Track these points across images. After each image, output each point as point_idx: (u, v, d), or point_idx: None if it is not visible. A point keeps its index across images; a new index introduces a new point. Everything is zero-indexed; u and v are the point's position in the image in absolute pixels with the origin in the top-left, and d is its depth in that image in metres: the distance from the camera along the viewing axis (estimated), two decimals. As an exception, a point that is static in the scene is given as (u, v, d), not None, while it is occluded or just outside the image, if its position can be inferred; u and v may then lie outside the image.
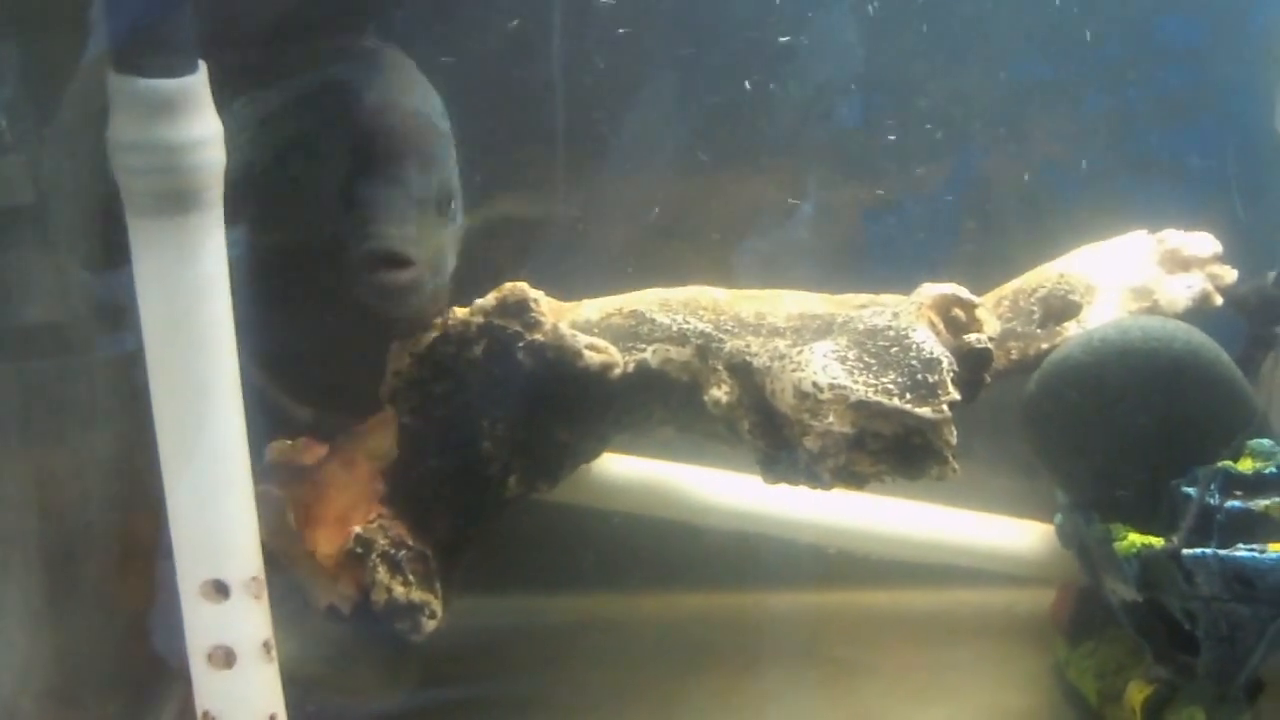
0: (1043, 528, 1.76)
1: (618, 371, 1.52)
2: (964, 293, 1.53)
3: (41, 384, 1.48)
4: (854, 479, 1.45)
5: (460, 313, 1.54)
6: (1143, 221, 1.75)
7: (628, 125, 1.81)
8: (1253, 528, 1.46)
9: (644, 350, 1.54)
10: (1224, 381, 1.55)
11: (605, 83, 1.79)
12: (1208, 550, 1.44)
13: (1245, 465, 1.50)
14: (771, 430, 1.49)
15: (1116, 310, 1.64)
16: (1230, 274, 1.69)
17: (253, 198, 1.47)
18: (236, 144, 1.27)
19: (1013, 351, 1.64)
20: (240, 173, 1.29)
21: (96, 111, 1.23)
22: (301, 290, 1.60)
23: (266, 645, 1.34)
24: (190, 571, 1.30)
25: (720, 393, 1.51)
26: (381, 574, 1.51)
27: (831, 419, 1.43)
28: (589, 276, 1.68)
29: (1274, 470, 1.48)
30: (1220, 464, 1.50)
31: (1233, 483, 1.48)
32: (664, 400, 1.57)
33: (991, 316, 1.59)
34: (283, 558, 1.52)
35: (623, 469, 1.73)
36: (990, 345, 1.50)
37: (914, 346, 1.47)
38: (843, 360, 1.47)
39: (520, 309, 1.52)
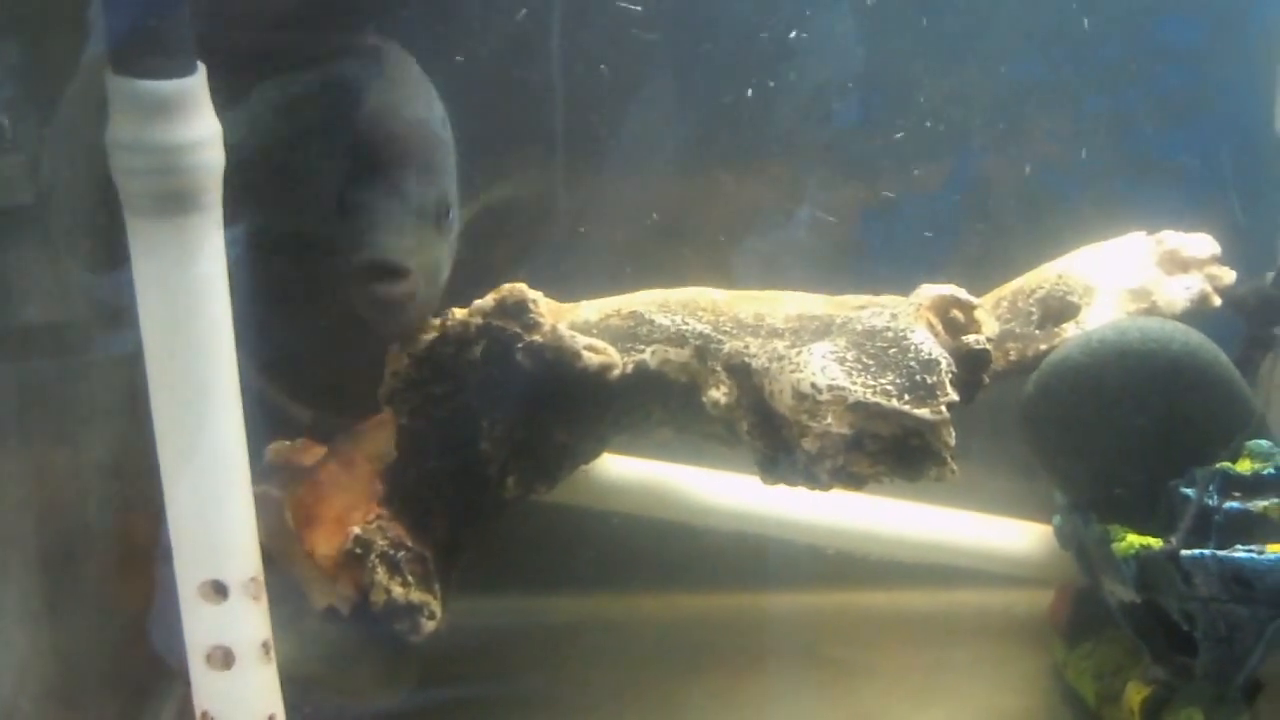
0: (1041, 529, 1.76)
1: (616, 372, 1.52)
2: (962, 294, 1.53)
3: (41, 384, 1.49)
4: (852, 480, 1.45)
5: (459, 314, 1.54)
6: (1141, 222, 1.75)
7: (626, 124, 1.81)
8: (1251, 529, 1.46)
9: (643, 351, 1.54)
10: (1222, 382, 1.55)
11: (603, 82, 1.79)
12: (1206, 551, 1.44)
13: (1243, 466, 1.50)
14: (770, 431, 1.49)
15: (1115, 311, 1.64)
16: (1229, 275, 1.69)
17: (251, 195, 1.48)
18: (237, 139, 1.28)
19: (1011, 352, 1.64)
20: (239, 169, 1.29)
21: (96, 111, 1.23)
22: (300, 290, 1.61)
23: (265, 646, 1.34)
24: (189, 572, 1.31)
25: (719, 394, 1.51)
26: (380, 575, 1.51)
27: (830, 420, 1.43)
28: (587, 277, 1.69)
29: (1272, 471, 1.49)
30: (1218, 465, 1.50)
31: (1231, 484, 1.49)
32: (663, 401, 1.57)
33: (990, 317, 1.60)
34: (281, 558, 1.52)
35: (622, 470, 1.73)
36: (988, 346, 1.50)
37: (912, 348, 1.47)
38: (841, 361, 1.47)
39: (519, 310, 1.52)
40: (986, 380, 1.52)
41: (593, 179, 1.83)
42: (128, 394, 1.36)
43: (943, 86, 1.85)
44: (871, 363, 1.46)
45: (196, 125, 1.21)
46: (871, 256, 1.90)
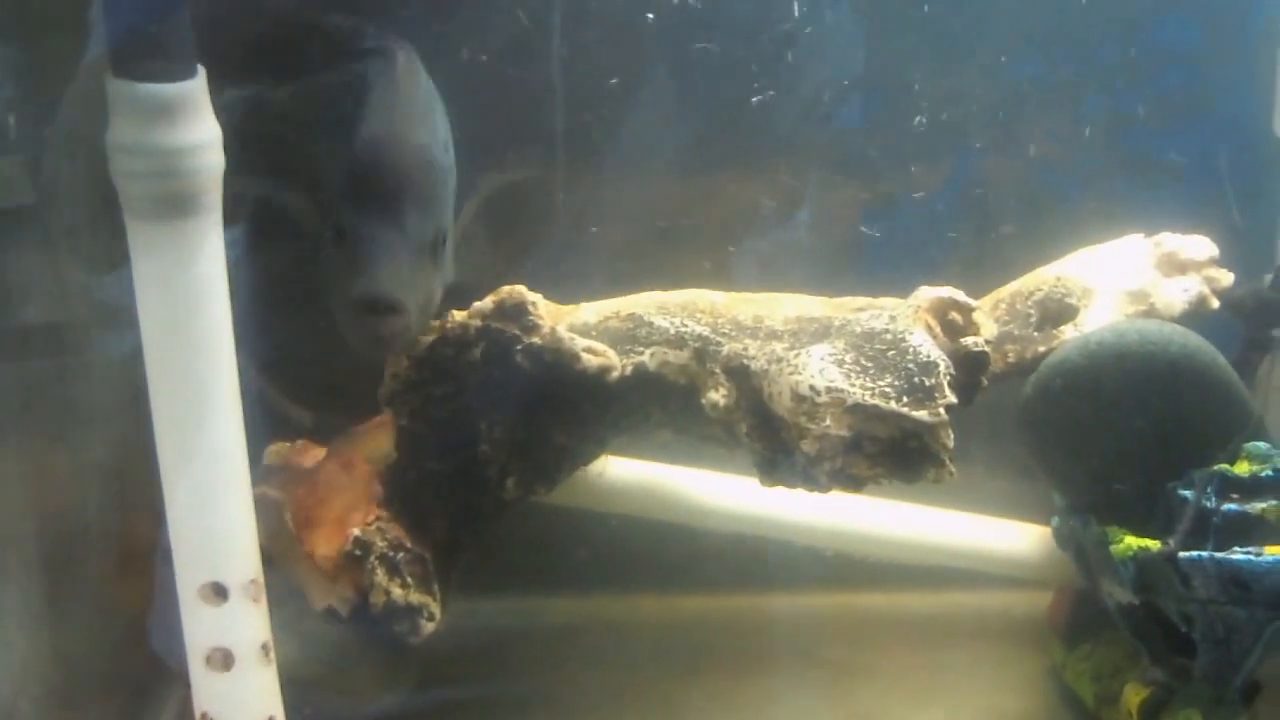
0: (1040, 530, 1.76)
1: (615, 374, 1.52)
2: (961, 296, 1.53)
3: (41, 384, 1.49)
4: (851, 482, 1.45)
5: (459, 316, 1.54)
6: (1140, 224, 1.75)
7: (625, 126, 1.81)
8: (1249, 531, 1.46)
9: (642, 353, 1.54)
10: (1220, 384, 1.55)
11: (602, 83, 1.79)
12: (1204, 553, 1.44)
13: (1241, 468, 1.50)
14: (769, 433, 1.50)
15: (1113, 313, 1.65)
16: (1227, 277, 1.69)
17: (252, 195, 1.48)
18: (241, 139, 1.28)
19: (1009, 354, 1.64)
20: (242, 172, 1.29)
21: (96, 113, 1.23)
22: (300, 291, 1.60)
23: (265, 647, 1.35)
24: (189, 574, 1.31)
25: (718, 396, 1.51)
26: (380, 576, 1.51)
27: (828, 422, 1.43)
28: (586, 279, 1.69)
29: (1270, 473, 1.49)
30: (1217, 467, 1.50)
31: (1229, 486, 1.48)
32: (662, 403, 1.57)
33: (988, 320, 1.60)
34: (281, 560, 1.52)
35: (621, 472, 1.73)
36: (987, 348, 1.50)
37: (911, 350, 1.47)
38: (840, 363, 1.47)
39: (518, 312, 1.52)
40: (985, 382, 1.52)
41: (592, 179, 1.83)
42: (128, 395, 1.36)
43: (941, 88, 1.86)
44: (870, 365, 1.46)
45: (197, 128, 1.21)
46: (870, 257, 1.90)
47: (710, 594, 1.93)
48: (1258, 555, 1.43)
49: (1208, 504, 1.47)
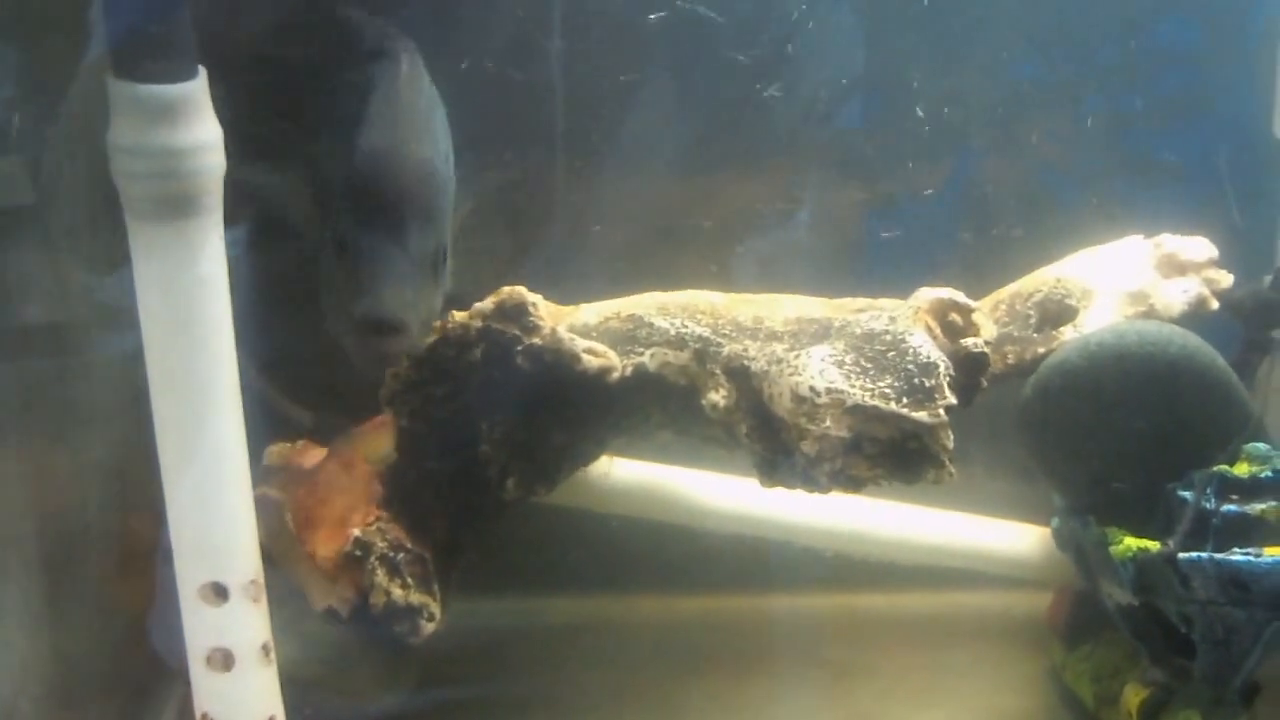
0: (1039, 531, 1.76)
1: (615, 375, 1.52)
2: (960, 297, 1.53)
3: (42, 384, 1.49)
4: (851, 482, 1.45)
5: (459, 316, 1.54)
6: (1139, 225, 1.75)
7: (624, 126, 1.81)
8: (1248, 532, 1.46)
9: (642, 354, 1.54)
10: (1220, 386, 1.55)
11: (601, 84, 1.79)
12: (1203, 554, 1.44)
13: (1241, 469, 1.50)
14: (769, 434, 1.50)
15: (1113, 314, 1.65)
16: (1226, 278, 1.69)
17: (254, 196, 1.48)
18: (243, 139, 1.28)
19: (1009, 356, 1.64)
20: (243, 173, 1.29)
21: (97, 114, 1.23)
22: (300, 291, 1.60)
23: (265, 648, 1.34)
24: (189, 574, 1.31)
25: (718, 397, 1.51)
26: (380, 576, 1.51)
27: (828, 423, 1.43)
28: (587, 279, 1.69)
29: (1269, 474, 1.49)
30: (1216, 468, 1.50)
31: (1228, 487, 1.48)
32: (662, 404, 1.57)
33: (988, 321, 1.59)
34: (281, 560, 1.53)
35: (621, 472, 1.74)
36: (987, 349, 1.50)
37: (911, 351, 1.47)
38: (840, 364, 1.47)
39: (518, 313, 1.52)
40: (984, 383, 1.52)
41: (592, 179, 1.83)
42: (129, 395, 1.36)
43: (940, 88, 1.86)
44: (870, 366, 1.47)
45: (198, 129, 1.21)
46: (871, 258, 1.90)
47: (710, 594, 1.93)
48: (1257, 556, 1.43)
49: (1207, 505, 1.47)
